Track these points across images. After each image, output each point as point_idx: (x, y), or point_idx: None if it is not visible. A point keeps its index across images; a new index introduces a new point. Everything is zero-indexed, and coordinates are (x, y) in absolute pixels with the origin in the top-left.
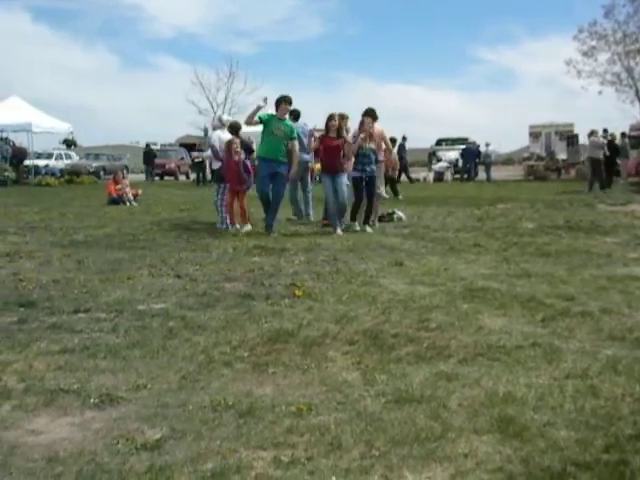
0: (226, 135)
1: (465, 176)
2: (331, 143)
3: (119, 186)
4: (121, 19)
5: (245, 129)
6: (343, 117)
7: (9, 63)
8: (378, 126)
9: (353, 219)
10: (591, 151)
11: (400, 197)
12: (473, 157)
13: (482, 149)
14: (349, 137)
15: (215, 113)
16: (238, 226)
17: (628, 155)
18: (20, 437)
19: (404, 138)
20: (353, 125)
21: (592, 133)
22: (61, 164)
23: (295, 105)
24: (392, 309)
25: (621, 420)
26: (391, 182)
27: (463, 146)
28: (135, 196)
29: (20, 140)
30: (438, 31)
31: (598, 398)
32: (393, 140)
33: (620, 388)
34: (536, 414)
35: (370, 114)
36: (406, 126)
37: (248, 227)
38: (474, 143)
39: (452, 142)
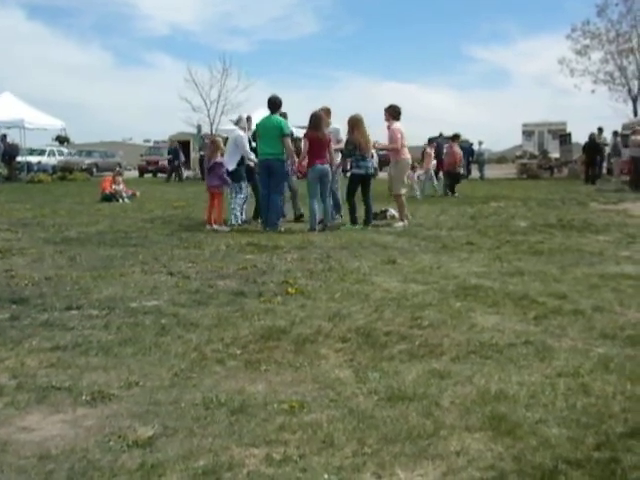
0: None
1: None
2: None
3: (115, 186)
4: (116, 16)
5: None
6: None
7: (2, 59)
8: (396, 124)
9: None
10: (632, 150)
11: (457, 194)
12: (465, 155)
13: (475, 147)
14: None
15: (208, 110)
16: (216, 226)
17: (620, 154)
18: (12, 434)
19: (440, 135)
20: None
21: (634, 132)
22: (53, 161)
23: (290, 103)
24: (385, 307)
25: (612, 418)
26: (452, 179)
27: None
28: (133, 195)
29: (12, 137)
30: (432, 30)
31: (590, 396)
32: (457, 136)
33: (611, 386)
34: (528, 412)
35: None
36: (401, 124)
37: (224, 228)
38: (466, 141)
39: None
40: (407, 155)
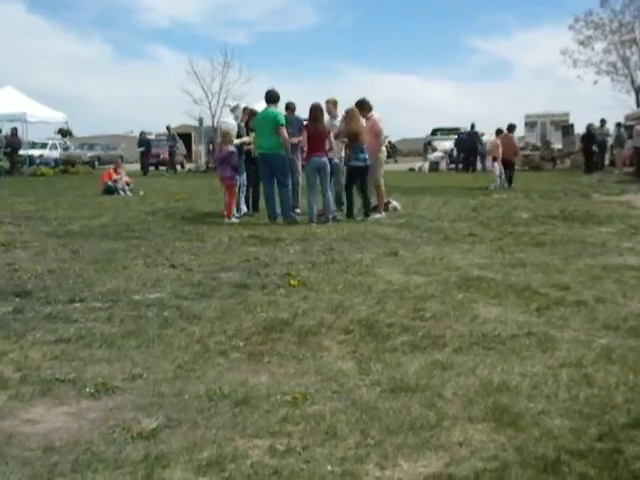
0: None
1: (460, 166)
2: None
3: (119, 176)
4: (116, 9)
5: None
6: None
7: (3, 53)
8: (375, 115)
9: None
10: (636, 140)
11: (512, 185)
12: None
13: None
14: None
15: (210, 103)
16: (226, 219)
17: (623, 145)
18: (16, 427)
19: (473, 126)
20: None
21: None
22: (55, 154)
23: (292, 96)
24: (387, 299)
25: (615, 409)
26: (510, 169)
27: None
28: (127, 184)
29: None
30: (432, 20)
31: (592, 387)
32: (513, 127)
33: (614, 377)
34: (530, 403)
35: (359, 105)
36: (401, 116)
37: (234, 220)
38: (465, 133)
39: (447, 132)
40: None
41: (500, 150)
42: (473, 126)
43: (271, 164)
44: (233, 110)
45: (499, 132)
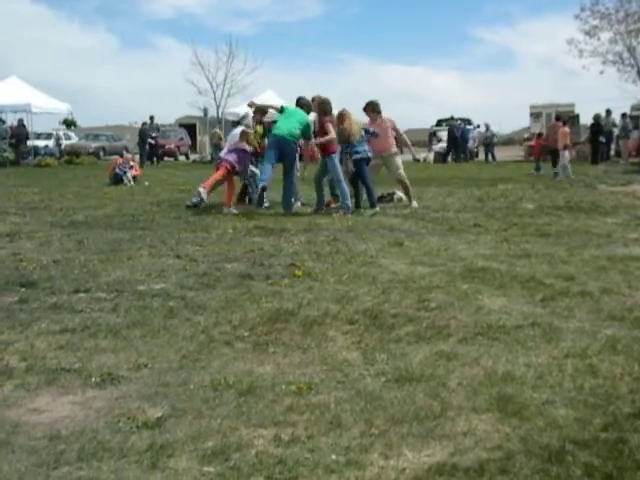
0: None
1: (462, 156)
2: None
3: (120, 164)
4: None
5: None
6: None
7: (8, 43)
8: (385, 115)
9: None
10: None
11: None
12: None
13: (481, 130)
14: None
15: (214, 93)
16: (227, 209)
17: (629, 135)
18: (22, 416)
19: (452, 117)
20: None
21: None
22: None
23: (297, 87)
24: (392, 289)
25: (620, 399)
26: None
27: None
28: (135, 177)
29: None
30: (437, 10)
31: (597, 377)
32: (559, 117)
33: (619, 367)
34: (535, 393)
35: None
36: (406, 107)
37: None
38: (465, 121)
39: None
40: None
41: (568, 139)
42: (452, 117)
43: (283, 148)
44: (241, 120)
45: (566, 122)
